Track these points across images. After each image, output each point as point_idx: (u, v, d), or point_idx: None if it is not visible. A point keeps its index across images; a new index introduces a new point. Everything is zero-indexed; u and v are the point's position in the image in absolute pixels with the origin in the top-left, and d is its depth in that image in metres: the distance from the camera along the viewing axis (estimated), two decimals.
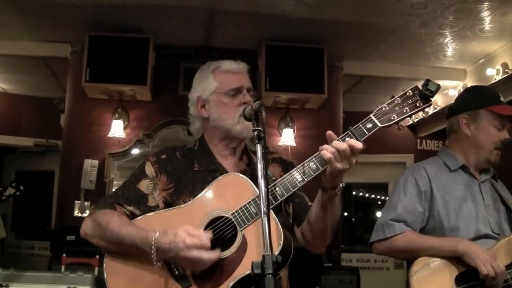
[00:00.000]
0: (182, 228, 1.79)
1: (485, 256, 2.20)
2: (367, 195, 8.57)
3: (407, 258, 2.47)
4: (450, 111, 2.64)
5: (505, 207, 2.50)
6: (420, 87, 1.80)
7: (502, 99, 2.54)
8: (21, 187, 3.96)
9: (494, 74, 5.51)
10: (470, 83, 6.02)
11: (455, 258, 2.28)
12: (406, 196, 2.46)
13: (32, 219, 8.03)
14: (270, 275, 1.49)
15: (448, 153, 2.59)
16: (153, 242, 1.80)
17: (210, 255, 1.77)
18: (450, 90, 6.24)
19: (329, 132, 1.78)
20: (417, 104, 1.80)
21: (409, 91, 1.82)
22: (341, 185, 1.85)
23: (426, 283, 2.27)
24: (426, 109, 1.87)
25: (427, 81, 1.78)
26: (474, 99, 2.58)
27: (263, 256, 1.52)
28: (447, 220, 2.41)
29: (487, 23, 4.94)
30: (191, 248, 1.75)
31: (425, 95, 1.79)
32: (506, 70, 5.33)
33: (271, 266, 1.50)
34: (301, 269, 2.10)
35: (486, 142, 2.49)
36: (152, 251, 1.81)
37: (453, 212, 2.41)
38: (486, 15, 4.76)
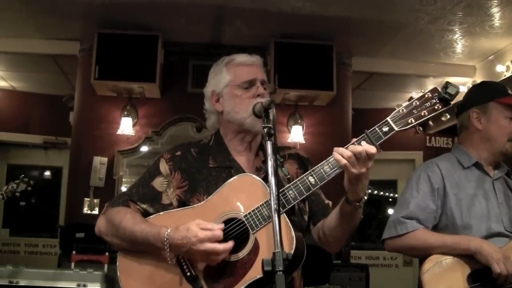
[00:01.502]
0: (193, 222, 1.79)
1: (498, 255, 2.19)
2: (376, 192, 8.53)
3: (419, 255, 2.45)
4: (459, 108, 2.62)
5: None
6: (439, 89, 1.76)
7: (510, 91, 2.53)
8: (31, 182, 3.96)
9: (504, 70, 5.48)
10: (479, 79, 5.98)
11: (467, 256, 2.26)
12: (418, 193, 2.44)
13: (35, 216, 7.96)
14: (281, 272, 1.48)
15: (462, 149, 2.56)
16: (165, 238, 1.81)
17: (224, 246, 1.77)
18: (459, 87, 6.18)
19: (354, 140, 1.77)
20: (436, 107, 1.76)
21: (428, 93, 1.78)
22: (365, 198, 1.83)
23: (438, 281, 2.26)
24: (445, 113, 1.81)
25: (447, 84, 1.75)
26: (483, 93, 2.58)
27: (274, 253, 1.51)
28: (460, 217, 2.39)
29: (496, 19, 4.90)
30: (204, 242, 1.75)
31: (444, 98, 1.75)
32: None
33: (282, 263, 1.49)
34: (310, 267, 2.09)
35: (498, 134, 2.46)
36: (165, 247, 1.81)
37: (465, 209, 2.40)
38: (495, 11, 4.73)
